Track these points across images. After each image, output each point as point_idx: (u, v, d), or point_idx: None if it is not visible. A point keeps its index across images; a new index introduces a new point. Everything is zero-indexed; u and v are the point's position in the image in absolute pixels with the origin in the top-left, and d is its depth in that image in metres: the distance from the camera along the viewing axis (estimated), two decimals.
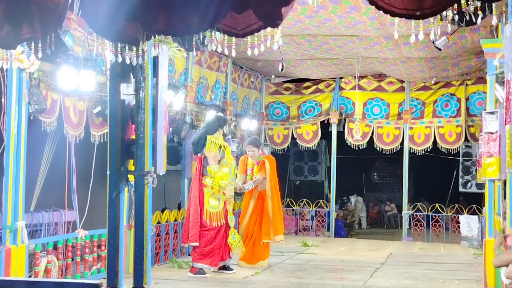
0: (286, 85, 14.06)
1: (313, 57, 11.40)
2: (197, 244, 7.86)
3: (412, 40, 3.31)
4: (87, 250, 7.29)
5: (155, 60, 3.74)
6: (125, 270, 5.66)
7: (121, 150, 3.67)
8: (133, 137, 3.70)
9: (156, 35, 3.36)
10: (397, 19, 3.20)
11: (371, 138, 13.41)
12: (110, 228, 3.65)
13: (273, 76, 13.59)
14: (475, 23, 3.09)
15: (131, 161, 3.73)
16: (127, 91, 3.70)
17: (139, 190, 3.66)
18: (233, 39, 3.49)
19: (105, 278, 4.18)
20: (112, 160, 3.68)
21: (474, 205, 12.27)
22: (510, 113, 3.41)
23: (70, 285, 4.11)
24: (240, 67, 12.43)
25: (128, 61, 3.59)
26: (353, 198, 18.49)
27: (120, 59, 3.57)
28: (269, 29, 3.53)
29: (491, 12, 3.05)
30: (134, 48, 3.54)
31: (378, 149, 13.49)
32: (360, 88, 13.28)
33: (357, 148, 13.57)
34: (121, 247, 3.65)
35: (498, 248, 6.46)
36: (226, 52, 3.50)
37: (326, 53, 10.96)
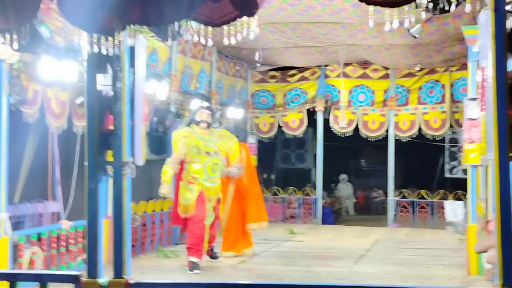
0: (271, 73, 14.05)
1: (298, 45, 11.39)
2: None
3: (386, 29, 3.32)
4: (72, 241, 7.28)
5: (132, 50, 3.72)
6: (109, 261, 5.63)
7: (99, 141, 3.64)
8: (111, 127, 3.68)
9: (131, 25, 3.35)
10: (372, 6, 3.21)
11: (357, 125, 13.44)
12: (89, 219, 3.64)
13: (258, 64, 13.55)
14: (449, 11, 3.10)
15: (110, 152, 3.71)
16: (104, 82, 3.67)
17: (118, 181, 3.64)
18: (209, 28, 3.48)
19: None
20: (90, 151, 3.65)
21: (460, 191, 12.36)
22: (485, 100, 3.45)
23: (50, 276, 4.10)
24: (225, 55, 12.39)
25: (104, 52, 3.57)
26: (343, 177, 18.66)
27: (96, 50, 3.56)
28: (245, 18, 3.53)
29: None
30: (110, 39, 3.52)
31: (364, 136, 13.54)
32: (345, 75, 13.29)
33: (343, 136, 13.61)
34: (100, 238, 3.64)
35: (480, 233, 6.54)
36: (203, 41, 3.50)
37: (311, 41, 10.95)
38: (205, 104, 8.66)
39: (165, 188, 7.79)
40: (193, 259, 7.57)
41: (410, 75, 13.21)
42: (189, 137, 7.73)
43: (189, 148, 7.65)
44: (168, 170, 7.75)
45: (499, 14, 3.12)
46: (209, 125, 7.84)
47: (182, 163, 7.82)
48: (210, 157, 7.71)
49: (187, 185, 7.68)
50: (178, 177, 7.92)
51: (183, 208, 7.65)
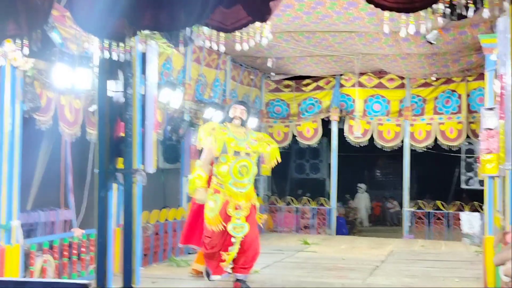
0: (286, 82, 13.99)
1: (313, 54, 11.33)
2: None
3: (402, 34, 3.25)
4: (83, 249, 7.24)
5: (144, 57, 3.69)
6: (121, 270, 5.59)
7: (110, 148, 3.61)
8: (122, 134, 3.65)
9: (142, 31, 3.32)
10: (387, 13, 3.15)
11: (372, 135, 13.33)
12: (99, 227, 3.60)
13: (273, 74, 13.52)
14: (466, 17, 3.03)
15: (120, 159, 3.67)
16: (115, 88, 3.64)
17: (128, 189, 3.60)
18: (222, 34, 3.44)
19: None
20: (101, 158, 3.63)
21: (476, 202, 12.18)
22: (504, 108, 3.36)
23: (59, 285, 4.06)
24: (240, 64, 12.37)
25: (115, 58, 3.54)
26: (361, 186, 18.61)
27: (107, 56, 3.53)
28: (258, 24, 3.48)
29: (482, 5, 2.98)
30: (122, 44, 3.50)
31: (379, 146, 13.42)
32: (361, 85, 13.20)
33: (358, 146, 13.49)
34: (109, 246, 3.60)
35: (497, 245, 6.40)
36: (215, 47, 3.45)
37: (326, 50, 10.90)
38: (239, 100, 7.78)
39: (202, 194, 6.68)
40: (210, 271, 6.77)
41: (426, 85, 13.08)
42: (219, 130, 6.73)
43: (219, 143, 6.64)
44: (201, 174, 6.66)
45: None
46: (243, 123, 6.86)
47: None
48: (238, 157, 6.66)
49: (213, 194, 6.69)
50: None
51: (208, 221, 6.67)
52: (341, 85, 13.56)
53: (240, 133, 6.80)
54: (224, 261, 6.66)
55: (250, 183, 6.76)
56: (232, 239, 6.62)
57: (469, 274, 8.09)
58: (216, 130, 6.69)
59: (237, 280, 6.78)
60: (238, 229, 6.63)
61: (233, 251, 6.64)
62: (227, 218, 6.60)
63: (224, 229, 6.59)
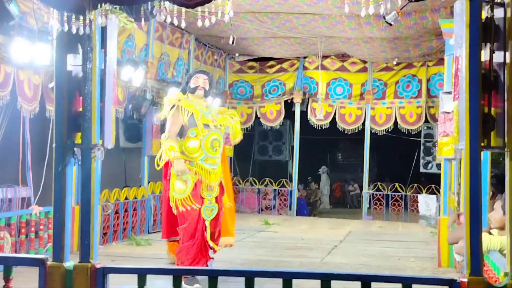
0: (250, 63, 13.98)
1: (277, 36, 11.34)
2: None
3: (362, 14, 3.30)
4: (42, 227, 7.17)
5: (104, 31, 3.64)
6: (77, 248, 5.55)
7: (68, 123, 3.57)
8: (80, 109, 3.61)
9: (103, 4, 3.28)
10: None
11: (334, 118, 13.46)
12: (56, 202, 3.57)
13: (237, 54, 13.50)
14: None
15: (79, 134, 3.64)
16: (74, 62, 3.59)
17: (86, 164, 3.57)
18: (183, 9, 3.43)
19: None
20: (59, 133, 3.58)
21: (433, 185, 12.47)
22: (458, 90, 3.45)
23: (16, 259, 4.04)
24: (204, 44, 12.30)
25: (74, 31, 3.50)
26: (323, 168, 18.86)
27: (66, 28, 3.48)
28: (220, 0, 3.48)
29: None
30: (81, 17, 3.45)
31: (341, 129, 13.56)
32: (324, 68, 13.29)
33: (320, 128, 13.60)
34: (67, 222, 3.57)
35: (451, 225, 6.58)
36: (176, 22, 3.43)
37: (289, 32, 10.91)
38: (201, 70, 6.97)
39: (181, 164, 5.89)
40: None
41: (387, 69, 13.25)
42: (185, 102, 6.09)
43: (188, 114, 6.02)
44: (172, 144, 5.91)
45: (475, 3, 3.11)
46: (206, 93, 6.25)
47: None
48: (209, 131, 6.06)
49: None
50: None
51: (179, 203, 6.01)
52: (305, 68, 13.63)
53: (203, 105, 6.22)
54: (209, 248, 6.07)
55: (220, 159, 6.22)
56: (206, 223, 6.05)
57: (424, 254, 8.29)
58: (182, 101, 6.07)
59: None
60: (209, 211, 6.08)
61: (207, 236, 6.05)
62: (200, 200, 6.02)
63: (198, 210, 5.99)
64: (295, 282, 3.27)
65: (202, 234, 6.00)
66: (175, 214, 6.13)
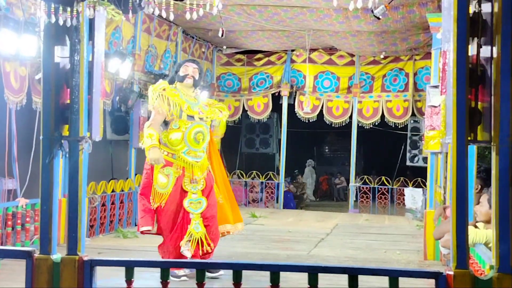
0: (237, 56, 13.96)
1: (264, 28, 11.33)
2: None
3: (350, 8, 3.30)
4: (28, 219, 7.13)
5: (92, 23, 3.61)
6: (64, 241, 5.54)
7: (55, 115, 3.54)
8: (68, 101, 3.58)
9: None
10: None
11: (321, 111, 13.49)
12: (43, 194, 3.54)
13: (224, 47, 13.48)
14: None
15: (66, 126, 3.61)
16: (61, 54, 3.56)
17: (74, 156, 3.55)
18: (171, 2, 3.41)
19: None
20: (46, 125, 3.55)
21: (419, 178, 12.55)
22: (446, 84, 3.46)
23: (3, 252, 4.02)
24: (191, 36, 12.26)
25: (62, 22, 3.47)
26: (310, 162, 18.93)
27: (53, 20, 3.45)
28: None
29: None
30: (69, 9, 3.42)
31: (328, 122, 13.60)
32: (311, 61, 13.31)
33: (307, 121, 13.63)
34: (54, 214, 3.56)
35: (437, 219, 6.63)
36: (164, 15, 3.42)
37: (277, 25, 10.91)
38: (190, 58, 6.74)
39: (156, 152, 5.69)
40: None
41: (375, 62, 13.30)
42: (170, 91, 5.88)
43: (172, 105, 5.81)
44: (152, 132, 5.73)
45: None
46: (195, 83, 6.03)
47: None
48: (193, 123, 5.88)
49: (164, 168, 5.82)
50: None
51: (157, 197, 5.84)
52: (292, 61, 13.65)
53: (191, 96, 6.01)
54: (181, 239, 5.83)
55: (205, 152, 6.03)
56: (191, 215, 5.82)
57: (410, 247, 8.35)
58: (167, 91, 5.85)
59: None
60: (195, 204, 5.85)
61: (194, 229, 5.79)
62: (182, 194, 5.85)
63: (179, 206, 5.85)
64: (282, 274, 3.28)
65: (181, 227, 5.84)
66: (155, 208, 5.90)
